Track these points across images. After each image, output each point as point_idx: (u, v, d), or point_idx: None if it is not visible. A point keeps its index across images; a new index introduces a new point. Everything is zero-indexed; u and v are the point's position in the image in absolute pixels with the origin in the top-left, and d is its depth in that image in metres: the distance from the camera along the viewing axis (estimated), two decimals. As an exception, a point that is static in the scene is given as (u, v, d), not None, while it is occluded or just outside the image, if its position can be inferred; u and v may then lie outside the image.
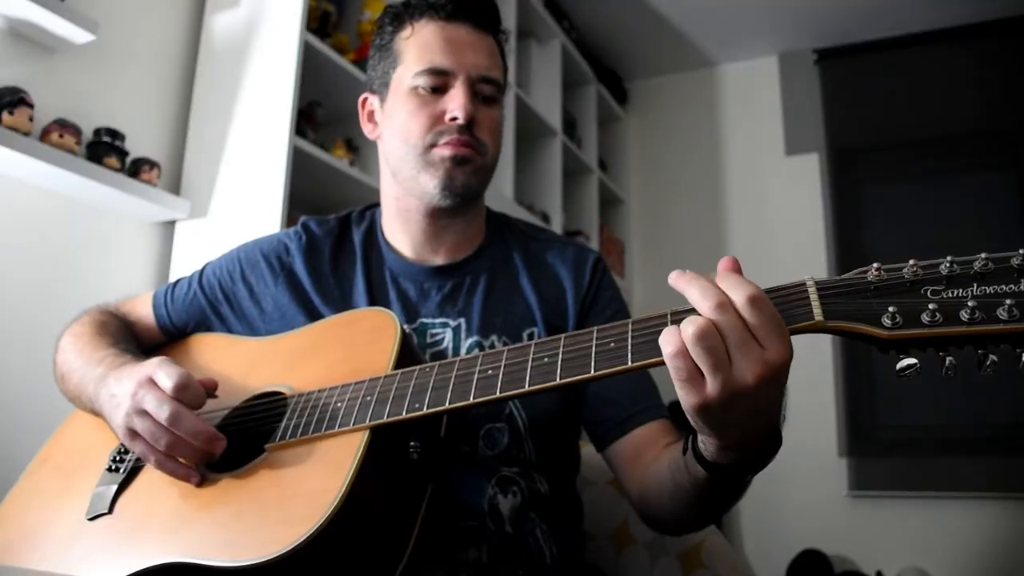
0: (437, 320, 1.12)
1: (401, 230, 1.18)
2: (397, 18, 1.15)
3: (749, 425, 0.70)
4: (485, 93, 1.12)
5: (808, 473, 3.56)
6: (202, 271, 1.24)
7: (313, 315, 1.12)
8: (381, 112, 1.17)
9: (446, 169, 1.09)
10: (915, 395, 3.47)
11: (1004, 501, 3.27)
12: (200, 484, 0.90)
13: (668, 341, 0.67)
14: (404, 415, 0.83)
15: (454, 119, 1.08)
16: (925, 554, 3.29)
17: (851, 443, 3.55)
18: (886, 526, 3.42)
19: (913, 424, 3.54)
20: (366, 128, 1.22)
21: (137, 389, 0.90)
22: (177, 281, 1.26)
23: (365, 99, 1.22)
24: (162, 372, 0.91)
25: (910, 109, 3.77)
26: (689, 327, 0.65)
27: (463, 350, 1.09)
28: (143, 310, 1.24)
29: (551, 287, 1.16)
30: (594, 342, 0.76)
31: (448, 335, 1.10)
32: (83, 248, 1.94)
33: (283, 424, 0.91)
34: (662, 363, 0.70)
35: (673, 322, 0.71)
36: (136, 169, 1.97)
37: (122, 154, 1.92)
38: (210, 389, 0.95)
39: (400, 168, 1.13)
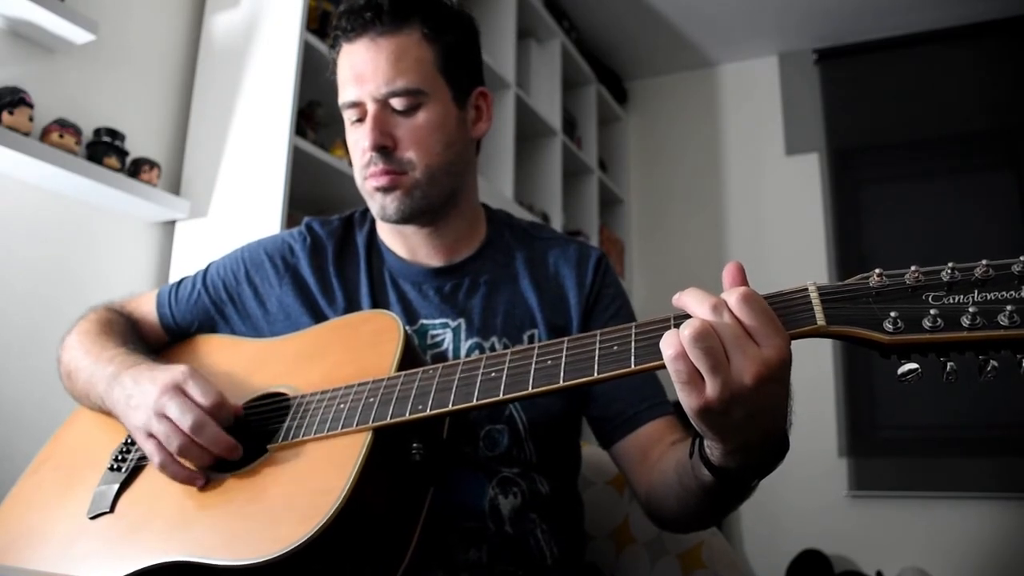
0: (437, 321, 1.11)
1: (393, 237, 1.19)
2: (330, 51, 1.15)
3: (752, 427, 0.70)
4: (398, 108, 1.07)
5: (808, 473, 3.56)
6: (206, 271, 1.24)
7: (318, 316, 1.13)
8: None
9: (377, 200, 1.09)
10: (915, 395, 3.47)
11: (1005, 501, 3.27)
12: (203, 485, 0.91)
13: (668, 344, 0.67)
14: (408, 416, 0.83)
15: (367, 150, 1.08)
16: (926, 554, 3.29)
17: (851, 443, 3.55)
18: (886, 526, 3.42)
19: (913, 424, 3.54)
20: None
21: (161, 395, 0.92)
22: (181, 280, 1.26)
23: None
24: (195, 385, 0.93)
25: (910, 109, 3.77)
26: (686, 329, 0.66)
27: (463, 351, 1.09)
28: (147, 308, 1.24)
29: (553, 287, 1.16)
30: (597, 345, 0.77)
31: (448, 336, 1.10)
32: (83, 248, 1.93)
33: (286, 424, 0.92)
34: (664, 366, 0.70)
35: (676, 326, 0.72)
36: (136, 169, 1.97)
37: (122, 154, 1.92)
38: (238, 415, 0.96)
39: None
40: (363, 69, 1.06)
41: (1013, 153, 3.65)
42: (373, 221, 1.23)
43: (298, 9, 2.09)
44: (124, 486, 0.97)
